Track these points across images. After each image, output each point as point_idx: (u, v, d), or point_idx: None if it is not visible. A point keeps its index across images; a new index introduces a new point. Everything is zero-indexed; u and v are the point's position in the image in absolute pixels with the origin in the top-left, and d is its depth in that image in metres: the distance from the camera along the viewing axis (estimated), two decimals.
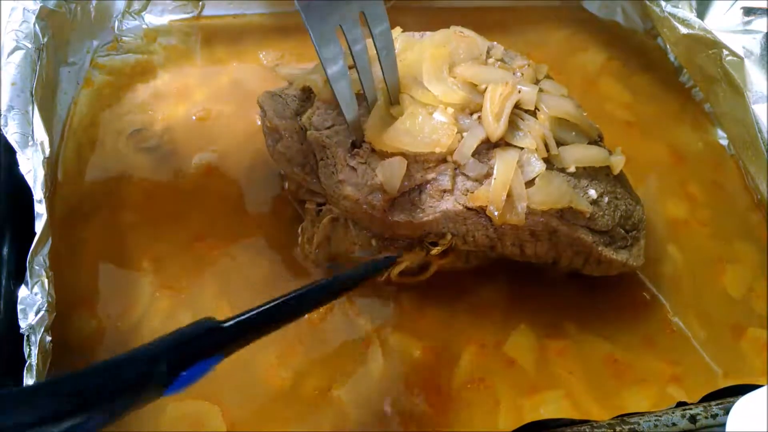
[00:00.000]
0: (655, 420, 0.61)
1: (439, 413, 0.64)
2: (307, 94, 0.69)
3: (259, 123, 0.68)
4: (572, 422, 0.61)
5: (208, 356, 0.43)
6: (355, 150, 0.63)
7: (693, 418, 0.61)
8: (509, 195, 0.60)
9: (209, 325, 0.45)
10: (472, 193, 0.61)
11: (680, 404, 0.63)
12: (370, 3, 0.54)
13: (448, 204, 0.62)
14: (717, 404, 0.62)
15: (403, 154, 0.61)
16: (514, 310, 0.72)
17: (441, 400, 0.65)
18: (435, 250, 0.67)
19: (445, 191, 0.62)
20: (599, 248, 0.66)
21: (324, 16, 0.52)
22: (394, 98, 0.64)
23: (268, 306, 0.49)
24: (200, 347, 0.43)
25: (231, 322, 0.46)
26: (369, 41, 0.61)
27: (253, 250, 0.73)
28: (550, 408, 0.65)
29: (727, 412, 0.60)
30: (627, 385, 0.68)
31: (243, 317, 0.47)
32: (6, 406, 0.34)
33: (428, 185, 0.62)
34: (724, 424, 0.55)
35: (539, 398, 0.66)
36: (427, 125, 0.61)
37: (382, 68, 0.62)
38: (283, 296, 0.51)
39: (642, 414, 0.62)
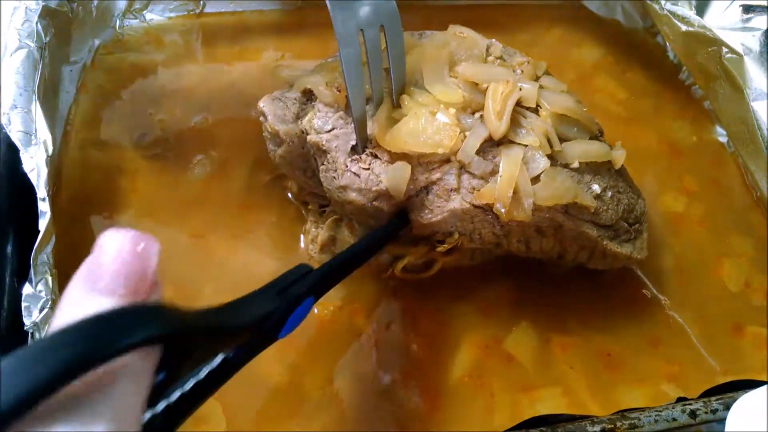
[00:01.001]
0: (656, 415, 0.61)
1: (434, 409, 0.65)
2: (307, 97, 0.69)
3: (262, 120, 0.69)
4: (572, 417, 0.61)
5: (307, 297, 0.49)
6: (356, 156, 0.63)
7: (693, 413, 0.62)
8: (515, 192, 0.60)
9: (305, 269, 0.51)
10: (479, 190, 0.61)
11: (680, 399, 0.64)
12: (390, 17, 0.60)
13: (456, 203, 0.62)
14: (717, 400, 0.63)
15: (407, 156, 0.61)
16: (515, 307, 0.72)
17: (437, 396, 0.65)
18: (441, 248, 0.66)
19: (452, 190, 0.62)
20: (604, 242, 0.66)
21: (350, 17, 0.57)
22: (397, 102, 0.64)
23: (343, 254, 0.59)
24: (303, 288, 0.49)
25: (318, 267, 0.53)
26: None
27: (257, 251, 0.74)
28: (547, 405, 0.65)
29: (727, 407, 0.60)
30: (626, 382, 0.68)
31: (326, 264, 0.55)
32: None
33: (434, 186, 0.62)
34: (724, 420, 0.56)
35: (536, 395, 0.66)
36: (430, 126, 0.61)
37: (391, 72, 0.63)
38: (349, 249, 0.61)
39: (642, 409, 0.62)
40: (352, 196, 0.63)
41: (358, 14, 0.58)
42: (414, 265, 0.70)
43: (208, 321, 0.36)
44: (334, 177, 0.63)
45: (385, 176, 0.61)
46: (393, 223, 0.65)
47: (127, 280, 0.31)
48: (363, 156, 0.62)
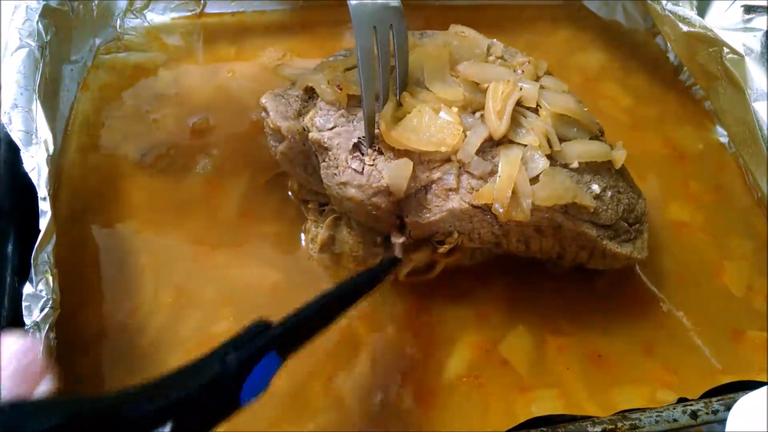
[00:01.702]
0: (657, 416, 0.61)
1: (431, 409, 0.65)
2: (309, 95, 0.69)
3: (263, 117, 0.69)
4: (573, 418, 0.61)
5: (266, 352, 0.45)
6: (356, 153, 0.63)
7: (694, 414, 0.62)
8: (514, 192, 0.60)
9: (262, 325, 0.46)
10: (477, 191, 0.61)
11: (681, 400, 0.64)
12: (398, 19, 0.63)
13: (454, 203, 0.62)
14: (718, 400, 0.63)
15: (409, 153, 0.61)
16: (514, 308, 0.72)
17: (434, 397, 0.65)
18: (442, 249, 0.67)
19: (450, 190, 0.62)
20: (604, 242, 0.66)
21: (366, 15, 0.61)
22: (400, 99, 0.64)
23: (311, 305, 0.51)
24: (259, 345, 0.45)
25: (280, 320, 0.48)
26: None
27: (257, 251, 0.74)
28: (544, 406, 0.65)
29: (727, 408, 0.60)
30: (623, 383, 0.68)
31: (289, 316, 0.49)
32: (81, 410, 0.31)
33: (434, 185, 0.62)
34: (724, 420, 0.55)
35: (533, 396, 0.66)
36: (433, 124, 0.61)
37: (396, 70, 0.63)
38: (320, 297, 0.53)
39: (643, 410, 0.62)
40: (351, 192, 0.63)
41: (372, 11, 0.61)
42: (417, 268, 0.70)
43: (107, 410, 0.33)
44: (335, 173, 0.63)
45: (387, 173, 0.61)
46: (371, 274, 0.62)
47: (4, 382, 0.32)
48: (369, 151, 0.62)
